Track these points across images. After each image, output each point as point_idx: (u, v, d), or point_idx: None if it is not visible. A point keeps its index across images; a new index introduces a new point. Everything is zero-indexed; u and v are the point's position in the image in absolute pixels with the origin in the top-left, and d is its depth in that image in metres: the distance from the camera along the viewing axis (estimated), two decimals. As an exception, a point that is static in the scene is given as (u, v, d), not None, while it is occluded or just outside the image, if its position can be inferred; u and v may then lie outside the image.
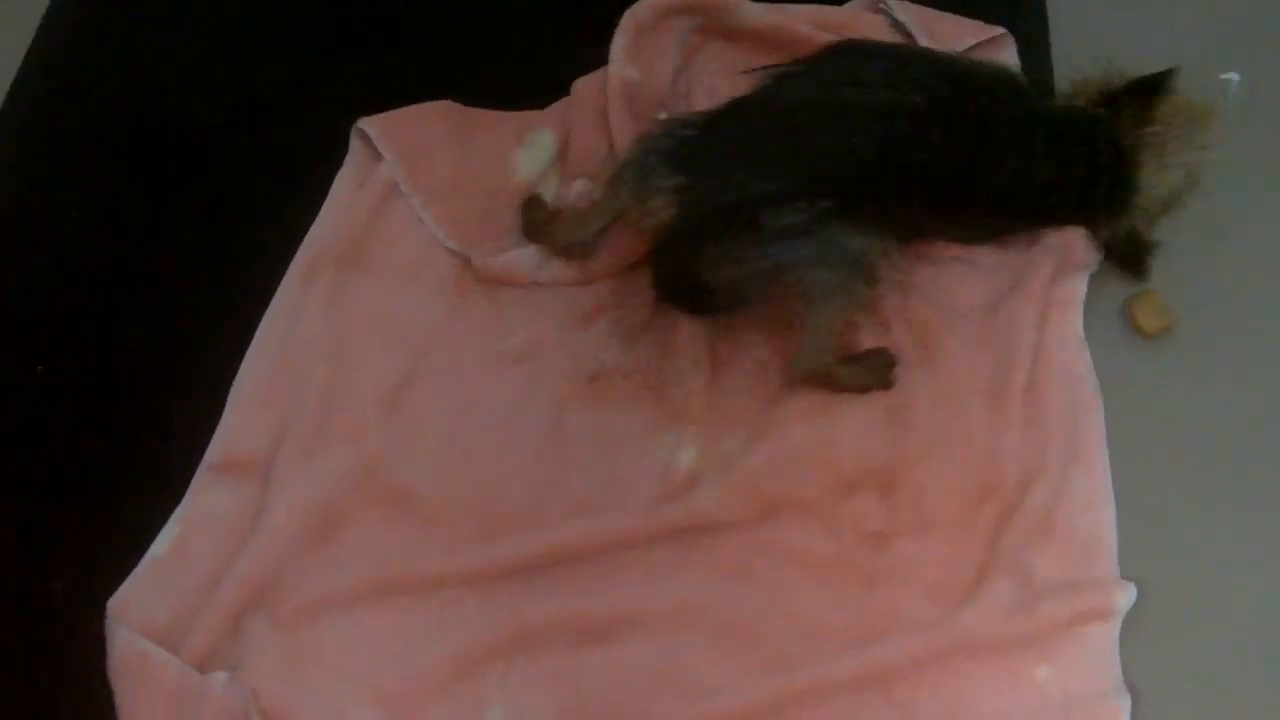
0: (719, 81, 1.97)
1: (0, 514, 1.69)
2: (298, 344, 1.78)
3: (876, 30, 2.00)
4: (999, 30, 2.01)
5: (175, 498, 1.67)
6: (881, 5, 2.03)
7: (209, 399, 1.74)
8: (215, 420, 1.73)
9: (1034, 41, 2.02)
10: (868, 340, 1.76)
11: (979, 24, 2.00)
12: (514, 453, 1.71)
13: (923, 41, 1.96)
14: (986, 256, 1.82)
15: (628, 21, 1.98)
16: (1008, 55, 2.01)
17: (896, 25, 2.01)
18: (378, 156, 1.91)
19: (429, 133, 1.93)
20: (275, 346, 1.78)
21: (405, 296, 1.82)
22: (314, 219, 1.86)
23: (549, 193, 1.89)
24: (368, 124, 1.91)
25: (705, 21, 2.02)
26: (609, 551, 1.64)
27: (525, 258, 1.82)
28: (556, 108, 1.97)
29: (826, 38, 1.91)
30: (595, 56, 1.96)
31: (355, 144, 1.92)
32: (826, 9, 2.03)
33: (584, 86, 1.96)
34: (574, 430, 1.73)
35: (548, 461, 1.71)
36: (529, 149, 1.92)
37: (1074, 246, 1.81)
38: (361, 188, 1.89)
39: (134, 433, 1.73)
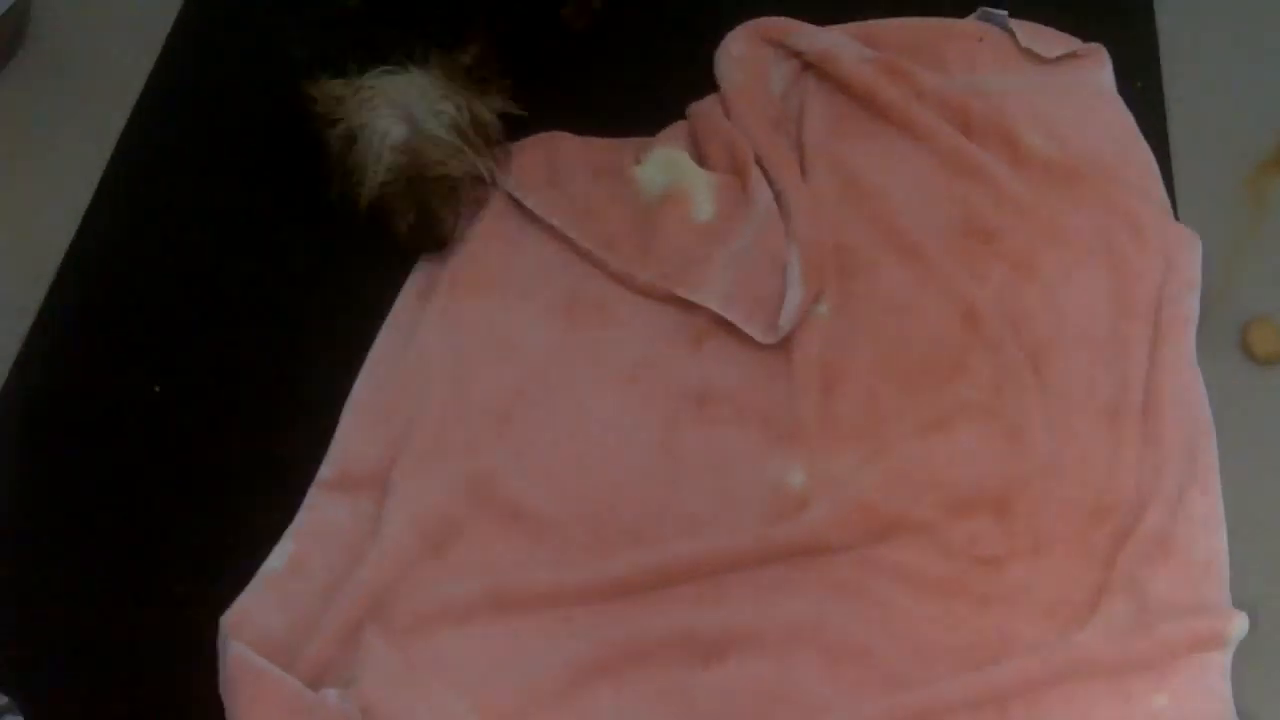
0: (827, 110, 2.00)
1: (118, 530, 1.70)
2: (413, 360, 1.79)
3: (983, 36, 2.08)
4: (1094, 45, 2.06)
5: (292, 513, 1.68)
6: (988, 16, 2.08)
7: (325, 414, 1.75)
8: (330, 436, 1.74)
9: (1142, 60, 2.05)
10: (980, 362, 1.76)
11: (1075, 39, 2.06)
12: (625, 470, 1.72)
13: (1024, 44, 2.04)
14: (1097, 276, 1.82)
15: (728, 44, 2.04)
16: (1105, 72, 2.04)
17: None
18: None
19: (543, 159, 1.97)
20: (391, 363, 1.80)
21: (519, 315, 1.84)
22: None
23: (704, 208, 1.90)
24: None
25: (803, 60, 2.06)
26: (719, 571, 1.63)
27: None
28: (676, 128, 2.00)
29: (916, 109, 1.96)
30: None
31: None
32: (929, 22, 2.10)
33: (700, 106, 1.99)
34: (684, 449, 1.73)
35: (659, 479, 1.71)
36: (647, 168, 1.94)
37: (1182, 262, 1.81)
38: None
39: (250, 448, 1.75)
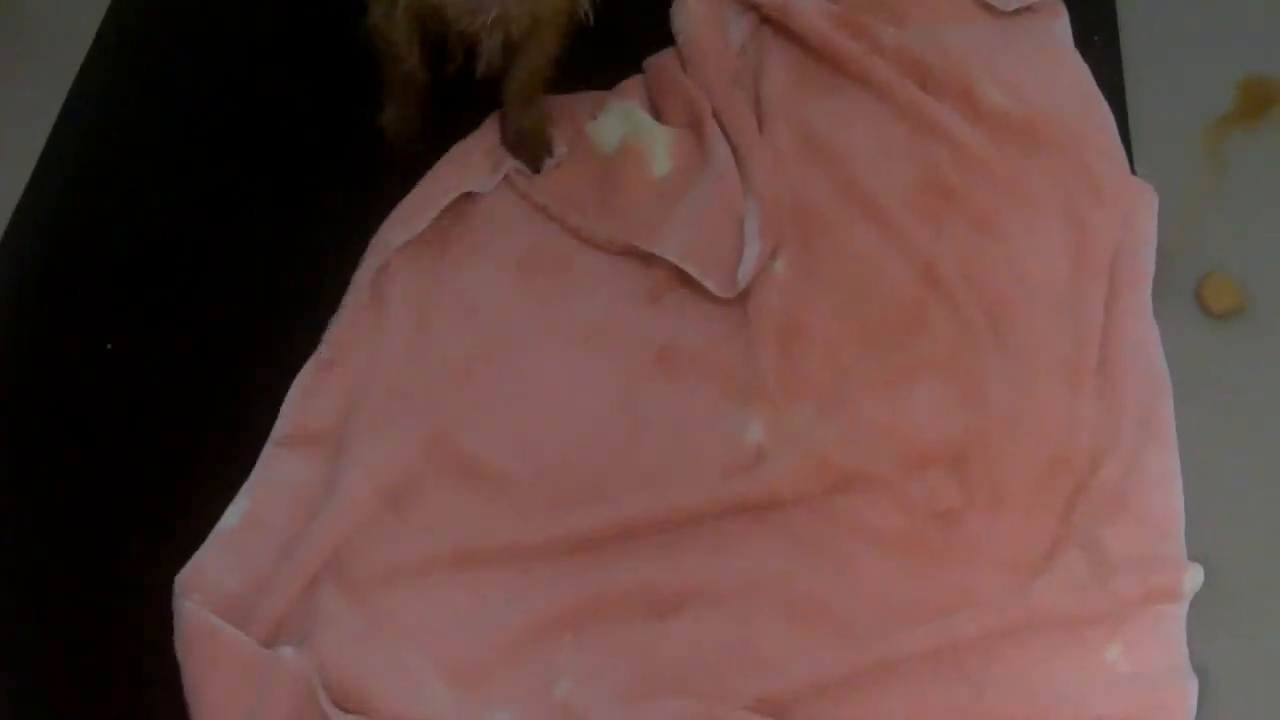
0: (785, 65, 1.99)
1: (73, 488, 1.68)
2: (370, 314, 1.78)
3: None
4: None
5: (248, 469, 1.66)
6: None
7: (281, 371, 1.73)
8: (286, 392, 1.72)
9: (1099, 15, 2.05)
10: (939, 319, 1.76)
11: None
12: (584, 425, 1.71)
13: None
14: (1055, 233, 1.82)
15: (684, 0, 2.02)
16: (1062, 26, 2.05)
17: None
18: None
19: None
20: (347, 318, 1.78)
21: (476, 272, 1.82)
22: (391, 197, 1.86)
23: (661, 163, 1.89)
24: None
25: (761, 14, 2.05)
26: (679, 524, 1.63)
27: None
28: (632, 82, 1.99)
29: (875, 64, 1.96)
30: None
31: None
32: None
33: (658, 61, 1.98)
34: (643, 404, 1.73)
35: (617, 434, 1.70)
36: (603, 123, 1.93)
37: (1138, 218, 1.81)
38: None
39: (206, 405, 1.73)
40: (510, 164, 1.87)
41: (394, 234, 1.81)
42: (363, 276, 1.79)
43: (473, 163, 1.88)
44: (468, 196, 1.86)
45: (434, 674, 1.55)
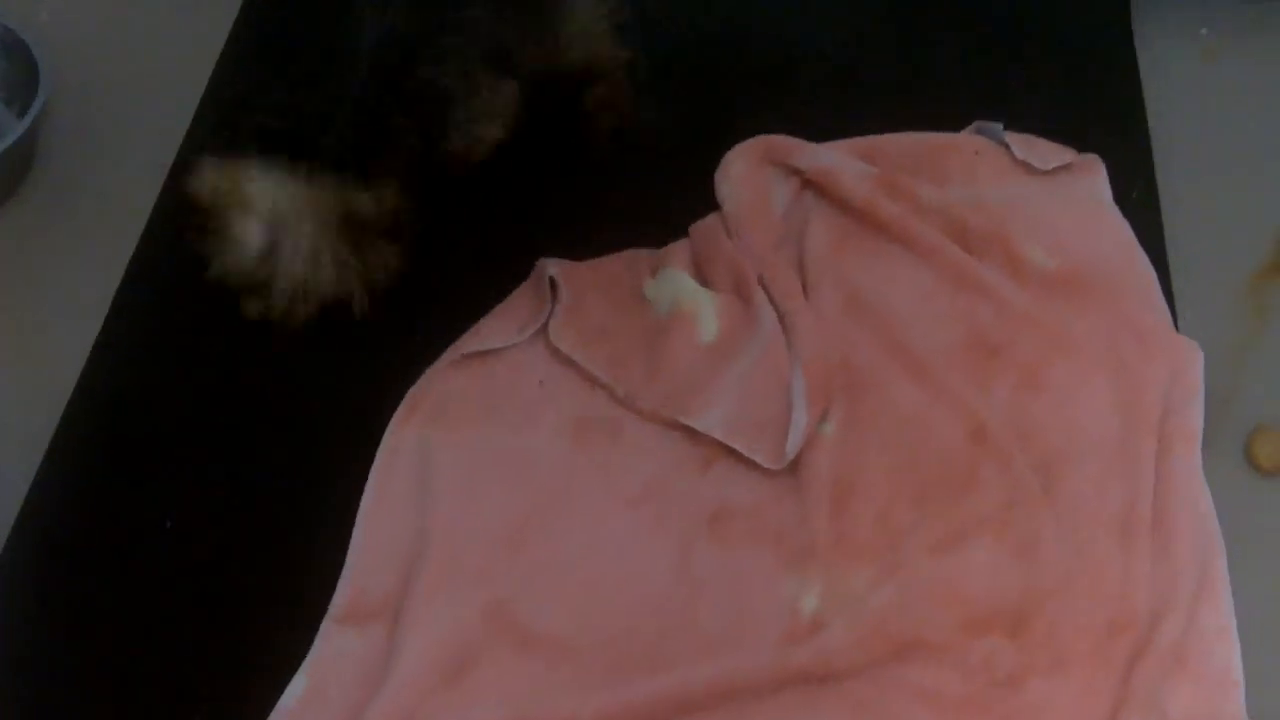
0: (828, 228, 2.02)
1: (136, 668, 1.68)
2: (420, 486, 1.79)
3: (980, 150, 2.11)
4: (1089, 156, 2.10)
5: (308, 645, 1.67)
6: (983, 129, 2.11)
7: (338, 542, 1.75)
8: (342, 564, 1.74)
9: (1137, 169, 2.08)
10: (990, 477, 1.76)
11: (1069, 150, 2.10)
12: (640, 593, 1.71)
13: (1020, 156, 2.07)
14: (1104, 387, 1.83)
15: (728, 164, 2.07)
16: (1101, 182, 2.07)
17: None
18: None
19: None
20: (397, 489, 1.80)
21: (525, 438, 1.84)
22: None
23: (709, 328, 1.91)
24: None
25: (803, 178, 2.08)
26: (737, 695, 1.62)
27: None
28: (678, 247, 2.02)
29: (916, 225, 1.98)
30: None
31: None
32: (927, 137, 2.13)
33: (701, 226, 2.01)
34: (698, 571, 1.73)
35: (673, 602, 1.70)
36: (658, 285, 1.96)
37: (1185, 373, 1.82)
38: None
39: (265, 581, 1.74)
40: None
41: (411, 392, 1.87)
42: (401, 439, 1.83)
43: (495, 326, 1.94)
44: (512, 363, 1.89)
45: None
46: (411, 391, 1.87)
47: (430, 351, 1.92)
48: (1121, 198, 2.05)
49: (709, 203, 2.06)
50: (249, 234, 1.77)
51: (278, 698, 1.63)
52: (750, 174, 2.05)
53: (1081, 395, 1.84)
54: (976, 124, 2.14)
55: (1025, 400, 1.84)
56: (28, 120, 2.06)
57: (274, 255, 1.81)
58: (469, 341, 1.91)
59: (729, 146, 2.10)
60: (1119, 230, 2.02)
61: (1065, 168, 2.08)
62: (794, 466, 1.79)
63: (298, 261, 1.82)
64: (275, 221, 1.79)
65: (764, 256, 1.96)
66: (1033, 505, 1.74)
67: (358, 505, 1.79)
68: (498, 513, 1.78)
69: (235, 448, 1.87)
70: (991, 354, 1.88)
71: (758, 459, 1.78)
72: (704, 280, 1.97)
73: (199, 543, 1.78)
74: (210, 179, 1.78)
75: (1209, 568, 1.70)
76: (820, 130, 2.13)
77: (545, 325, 1.93)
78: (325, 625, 1.69)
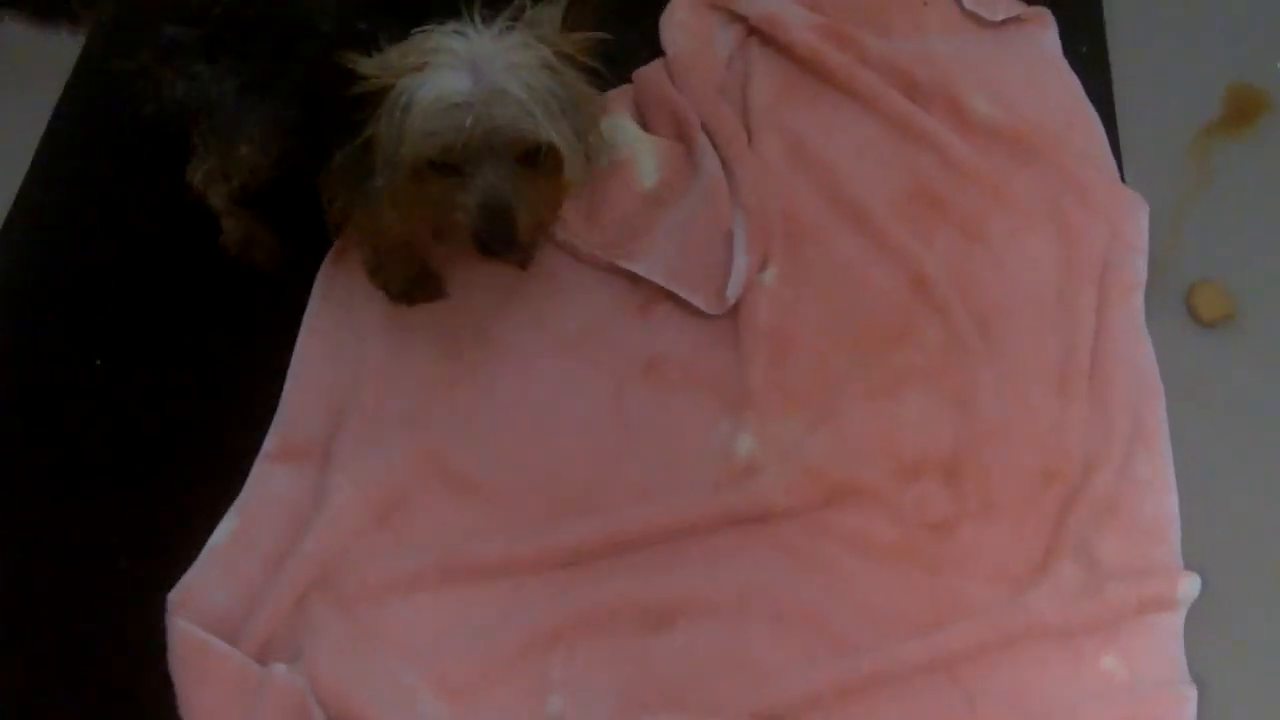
0: (772, 76, 1.99)
1: (63, 507, 1.67)
2: (351, 329, 1.78)
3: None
4: (1039, 9, 2.07)
5: (237, 486, 1.66)
6: None
7: (269, 386, 1.73)
8: (274, 408, 1.72)
9: (1087, 24, 2.05)
10: (928, 328, 1.76)
11: (1020, 2, 2.07)
12: (573, 438, 1.71)
13: (969, 7, 2.05)
14: (1044, 241, 1.82)
15: (673, 9, 2.03)
16: (1051, 35, 2.05)
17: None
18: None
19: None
20: (328, 332, 1.78)
21: (462, 278, 1.82)
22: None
23: (649, 174, 1.89)
24: None
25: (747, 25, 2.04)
26: (670, 538, 1.63)
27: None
28: (620, 93, 1.97)
29: (862, 75, 1.95)
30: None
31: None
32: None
33: (648, 73, 1.97)
34: (632, 417, 1.72)
35: (607, 447, 1.70)
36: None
37: (1128, 227, 1.82)
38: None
39: (195, 422, 1.73)
40: None
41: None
42: (333, 283, 1.81)
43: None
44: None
45: (426, 689, 1.55)
46: (345, 234, 1.83)
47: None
48: (1071, 51, 2.03)
49: (654, 49, 2.01)
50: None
51: (208, 537, 1.63)
52: (694, 19, 2.02)
53: (1021, 249, 1.83)
54: (927, -28, 2.10)
55: (965, 251, 1.83)
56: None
57: None
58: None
59: (674, -8, 2.05)
60: (1067, 84, 2.00)
61: (1015, 20, 2.05)
62: (732, 314, 1.78)
63: None
64: None
65: (707, 103, 1.93)
66: (970, 355, 1.74)
67: (291, 347, 1.76)
68: (431, 356, 1.76)
69: (167, 288, 1.84)
70: (932, 205, 1.87)
71: (698, 303, 1.77)
72: (646, 126, 1.94)
73: (128, 382, 1.76)
74: None
75: (1146, 417, 1.71)
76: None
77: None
78: (257, 466, 1.68)
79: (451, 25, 1.40)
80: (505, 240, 1.43)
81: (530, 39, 1.40)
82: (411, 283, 1.79)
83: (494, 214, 1.41)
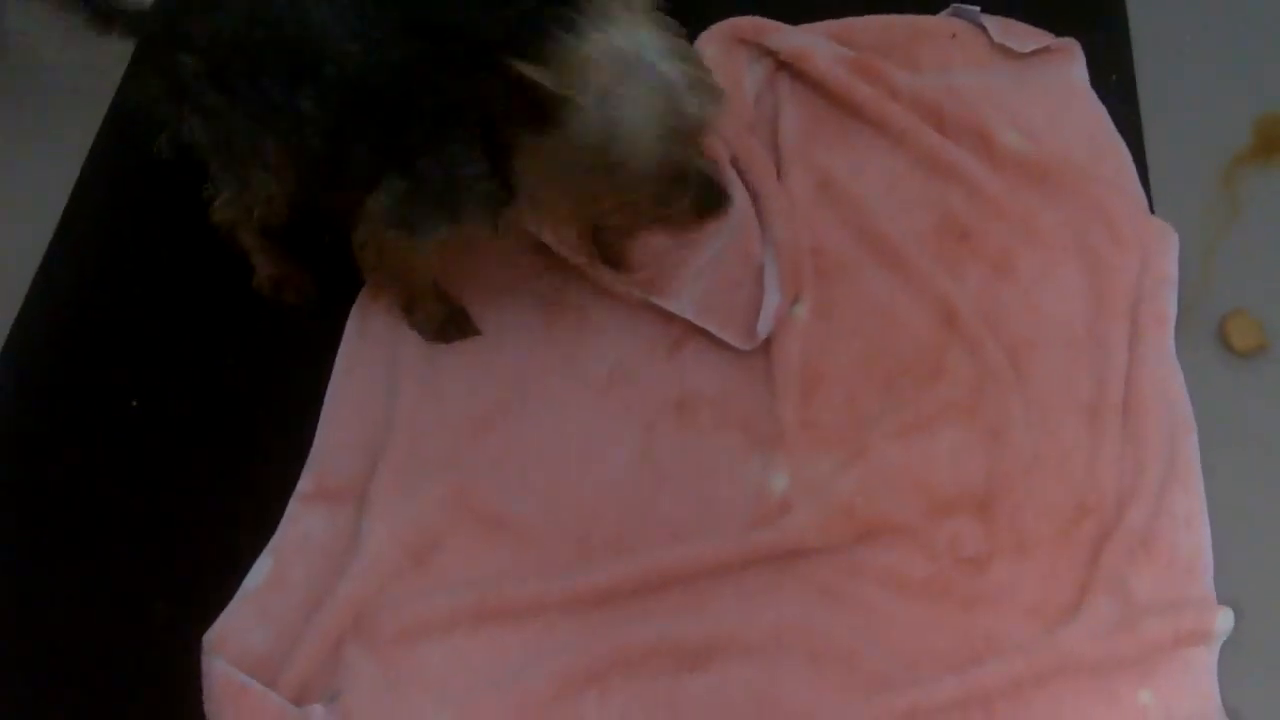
0: (802, 112, 2.00)
1: (100, 552, 1.69)
2: (387, 368, 1.79)
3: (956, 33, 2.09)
4: (1067, 40, 2.06)
5: (273, 528, 1.67)
6: (960, 11, 2.09)
7: (304, 427, 1.75)
8: (308, 449, 1.73)
9: (1115, 54, 2.05)
10: (959, 363, 1.76)
11: (1047, 34, 2.06)
12: (606, 477, 1.71)
13: (996, 39, 2.05)
14: (1074, 275, 1.82)
15: (701, 45, 2.02)
16: (1079, 67, 2.04)
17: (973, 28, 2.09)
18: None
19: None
20: (364, 372, 1.79)
21: (493, 321, 1.83)
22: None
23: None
24: None
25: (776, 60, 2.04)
26: (703, 576, 1.63)
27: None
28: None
29: (890, 109, 1.95)
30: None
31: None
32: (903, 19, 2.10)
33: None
34: (664, 455, 1.73)
35: (640, 486, 1.70)
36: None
37: (1158, 258, 1.82)
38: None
39: (230, 462, 1.74)
40: None
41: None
42: (369, 321, 1.81)
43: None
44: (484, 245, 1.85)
45: (461, 732, 1.55)
46: (375, 276, 1.84)
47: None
48: (1099, 82, 2.02)
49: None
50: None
51: (242, 579, 1.64)
52: (723, 56, 2.02)
53: (1051, 282, 1.83)
54: (954, 6, 2.11)
55: (995, 286, 1.83)
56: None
57: None
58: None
59: (703, 28, 2.05)
60: (1095, 116, 2.00)
61: (1042, 52, 2.05)
62: (764, 351, 1.78)
63: None
64: None
65: (736, 139, 1.93)
66: (1001, 390, 1.73)
67: (324, 388, 1.78)
68: (464, 396, 1.77)
69: (201, 329, 1.86)
70: (962, 239, 1.87)
71: (729, 339, 1.77)
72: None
73: (164, 424, 1.78)
74: None
75: (1179, 451, 1.70)
76: (794, 11, 2.09)
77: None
78: (291, 507, 1.69)
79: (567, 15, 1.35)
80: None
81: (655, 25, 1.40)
82: (445, 322, 1.79)
83: (713, 185, 1.48)
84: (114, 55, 2.06)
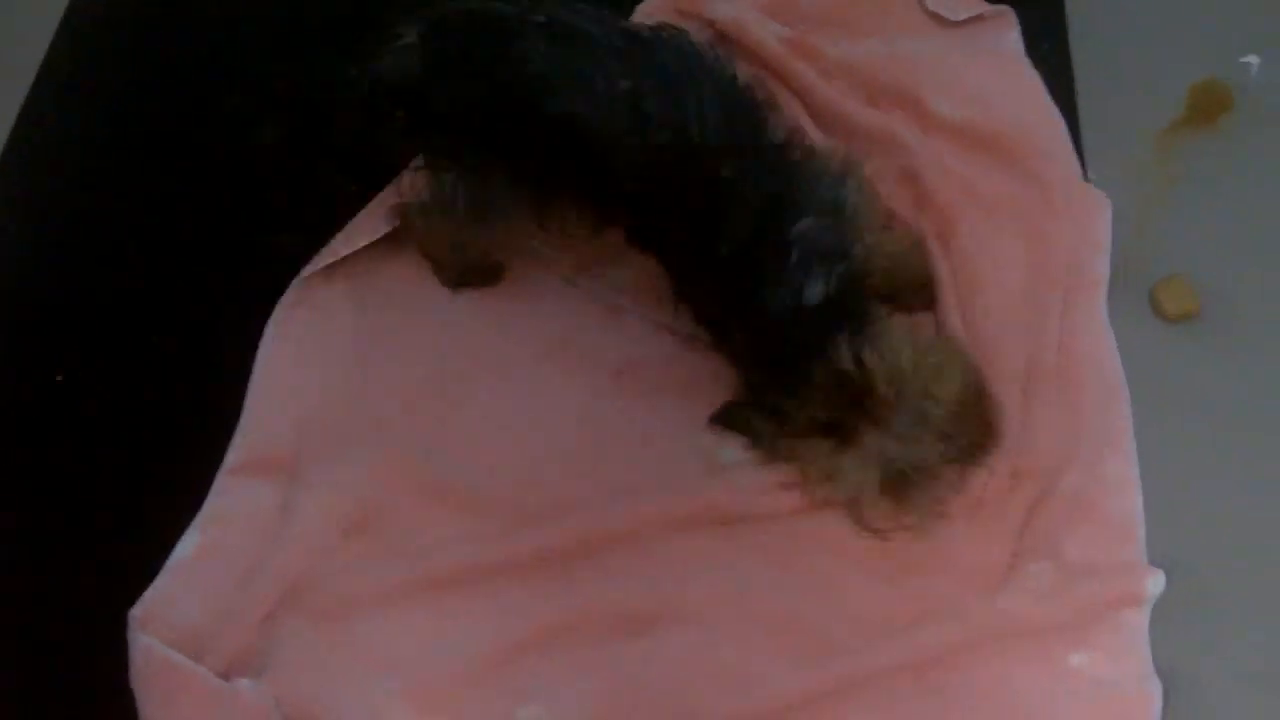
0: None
1: (26, 521, 1.67)
2: (318, 338, 1.77)
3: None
4: (1001, 7, 2.06)
5: (201, 501, 1.65)
6: None
7: (232, 399, 1.72)
8: (237, 420, 1.71)
9: (1049, 22, 2.05)
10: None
11: (982, 1, 2.07)
12: (547, 443, 1.70)
13: (931, 7, 2.04)
14: (1009, 243, 1.82)
15: (642, 16, 2.01)
16: (1013, 35, 2.04)
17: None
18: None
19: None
20: (294, 341, 1.77)
21: (429, 291, 1.81)
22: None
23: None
24: None
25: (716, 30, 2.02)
26: (646, 539, 1.62)
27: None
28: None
29: (823, 92, 1.94)
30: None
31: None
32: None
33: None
34: (607, 421, 1.72)
35: (582, 452, 1.69)
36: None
37: (1092, 225, 1.82)
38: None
39: (158, 435, 1.72)
40: None
41: (318, 260, 1.80)
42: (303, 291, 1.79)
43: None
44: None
45: (398, 701, 1.54)
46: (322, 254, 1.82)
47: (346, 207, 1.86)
48: (1033, 50, 2.02)
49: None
50: None
51: (170, 552, 1.62)
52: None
53: (988, 250, 1.82)
54: (888, -27, 2.10)
55: (936, 255, 1.82)
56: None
57: None
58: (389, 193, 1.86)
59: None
60: (1029, 83, 1.99)
61: (976, 19, 2.05)
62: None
63: None
64: None
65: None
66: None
67: (253, 359, 1.75)
68: (397, 366, 1.76)
69: (127, 300, 1.84)
70: (903, 211, 1.86)
71: (665, 318, 1.76)
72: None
73: (89, 396, 1.75)
74: None
75: (1112, 416, 1.71)
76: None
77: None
78: (219, 480, 1.67)
79: None
80: None
81: None
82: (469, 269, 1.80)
83: None
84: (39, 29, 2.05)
